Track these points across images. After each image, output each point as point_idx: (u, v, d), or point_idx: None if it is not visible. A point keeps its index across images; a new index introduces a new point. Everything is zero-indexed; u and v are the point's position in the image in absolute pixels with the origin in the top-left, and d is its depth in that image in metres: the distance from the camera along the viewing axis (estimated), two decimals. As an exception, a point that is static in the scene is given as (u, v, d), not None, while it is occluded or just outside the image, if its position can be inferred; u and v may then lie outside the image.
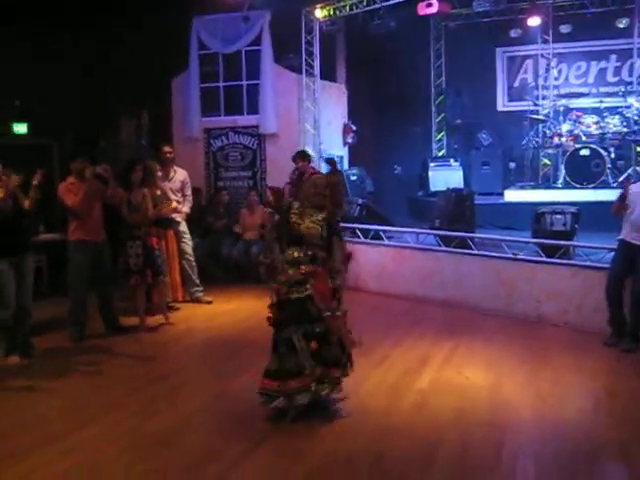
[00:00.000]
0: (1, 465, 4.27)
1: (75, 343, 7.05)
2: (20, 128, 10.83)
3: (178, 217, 8.48)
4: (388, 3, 10.24)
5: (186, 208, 8.66)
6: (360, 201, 10.29)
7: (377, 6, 10.39)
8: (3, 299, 6.18)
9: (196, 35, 11.05)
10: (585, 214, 8.40)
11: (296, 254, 4.90)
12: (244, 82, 11.07)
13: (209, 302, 8.73)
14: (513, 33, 13.01)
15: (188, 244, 8.70)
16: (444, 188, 10.22)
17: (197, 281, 8.81)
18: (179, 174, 8.71)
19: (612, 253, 6.91)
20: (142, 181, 7.58)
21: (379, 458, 4.32)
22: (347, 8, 10.65)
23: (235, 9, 10.66)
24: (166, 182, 8.43)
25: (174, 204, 8.25)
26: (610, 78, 12.98)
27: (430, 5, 9.97)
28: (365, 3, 10.41)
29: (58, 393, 5.61)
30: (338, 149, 12.18)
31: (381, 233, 9.57)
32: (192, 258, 8.74)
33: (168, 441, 4.59)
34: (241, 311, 8.30)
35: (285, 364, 4.83)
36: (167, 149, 8.72)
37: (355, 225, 9.73)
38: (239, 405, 5.26)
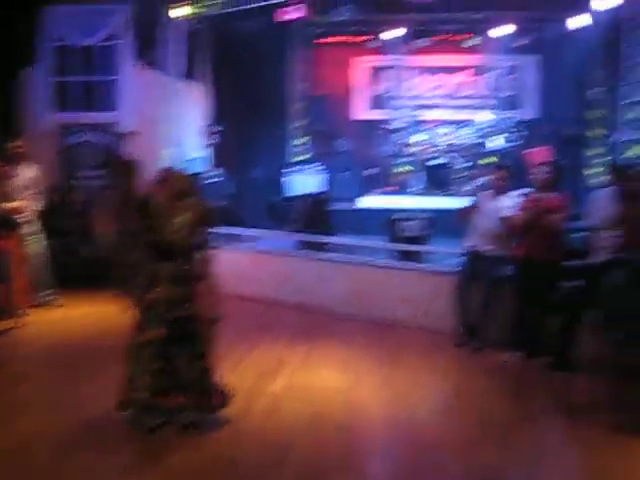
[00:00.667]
0: None
1: None
2: None
3: (26, 217, 8.03)
4: (251, 6, 10.22)
5: (36, 206, 8.21)
6: (221, 204, 10.19)
7: (240, 8, 10.34)
8: None
9: (50, 26, 10.52)
10: (437, 221, 8.76)
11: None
12: (101, 77, 10.65)
13: (60, 306, 8.33)
14: (373, 43, 13.39)
15: (37, 245, 8.25)
16: (302, 193, 10.32)
17: (47, 284, 8.38)
18: (28, 170, 8.24)
19: (461, 258, 7.23)
20: None
21: (232, 464, 4.28)
22: (211, 8, 10.53)
23: (94, 1, 10.26)
24: (14, 179, 7.96)
25: (17, 204, 7.81)
26: (463, 92, 13.64)
27: (290, 11, 10.04)
28: (229, 5, 10.33)
29: None
30: (199, 150, 12.00)
31: (240, 236, 9.51)
32: (42, 260, 8.30)
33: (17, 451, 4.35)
34: (93, 315, 7.96)
35: (163, 381, 4.66)
36: (15, 144, 8.23)
37: (215, 228, 9.59)
38: (89, 413, 5.04)
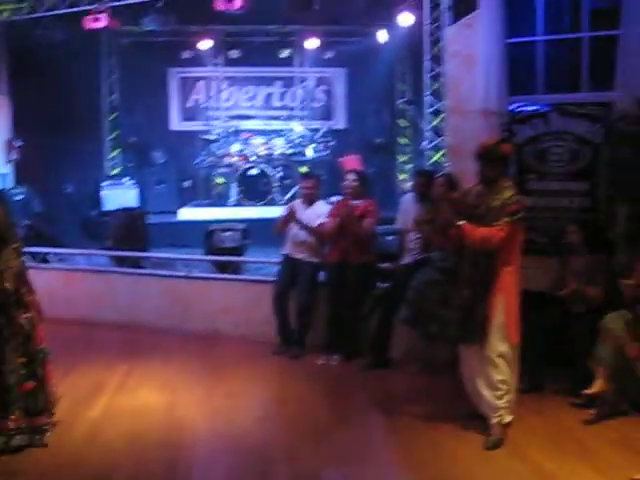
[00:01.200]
0: None
1: None
2: None
3: None
4: (52, 13, 9.74)
5: None
6: (26, 222, 9.61)
7: (40, 14, 9.82)
8: None
9: None
10: (254, 230, 8.84)
11: None
12: None
13: None
14: (186, 54, 13.31)
15: None
16: (117, 207, 10.01)
17: None
18: None
19: (278, 267, 7.33)
20: None
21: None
22: (6, 14, 9.90)
23: None
24: None
25: None
26: (276, 103, 13.92)
27: (97, 20, 9.70)
28: (26, 11, 9.77)
29: None
30: (0, 166, 11.26)
31: (50, 255, 9.03)
32: None
33: None
34: None
35: None
36: None
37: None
38: None
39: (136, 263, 8.45)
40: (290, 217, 7.00)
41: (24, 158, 11.64)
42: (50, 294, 8.62)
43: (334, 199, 7.99)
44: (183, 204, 12.06)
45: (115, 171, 13.48)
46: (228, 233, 8.32)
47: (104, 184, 12.31)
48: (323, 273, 6.99)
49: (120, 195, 11.95)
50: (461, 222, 4.75)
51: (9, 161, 11.51)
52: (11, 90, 11.77)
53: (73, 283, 8.67)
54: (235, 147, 12.13)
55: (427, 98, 9.37)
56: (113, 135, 13.63)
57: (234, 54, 13.35)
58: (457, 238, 4.81)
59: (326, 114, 13.87)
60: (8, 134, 11.50)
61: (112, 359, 6.94)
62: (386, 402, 5.66)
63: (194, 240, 9.76)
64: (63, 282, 8.74)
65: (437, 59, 8.92)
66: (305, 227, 6.90)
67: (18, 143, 11.48)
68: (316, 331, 7.02)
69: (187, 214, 11.44)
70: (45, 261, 8.98)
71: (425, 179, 6.60)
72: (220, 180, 12.33)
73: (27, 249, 8.93)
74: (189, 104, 13.91)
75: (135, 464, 4.47)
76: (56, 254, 9.13)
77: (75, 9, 9.63)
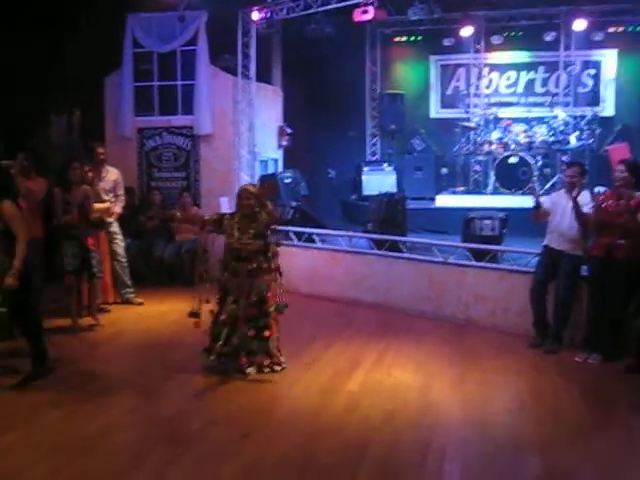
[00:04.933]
0: None
1: None
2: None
3: (110, 217, 8.35)
4: (324, 8, 10.28)
5: (118, 208, 8.52)
6: (294, 204, 10.34)
7: (313, 11, 10.43)
8: None
9: (131, 33, 10.85)
10: (513, 220, 8.66)
11: None
12: (179, 82, 10.93)
13: (140, 303, 8.63)
14: (446, 42, 13.29)
15: (120, 245, 8.57)
16: (377, 192, 10.36)
17: (128, 282, 8.69)
18: (111, 174, 8.56)
19: (537, 258, 7.14)
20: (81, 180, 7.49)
21: (310, 459, 4.37)
22: (284, 11, 10.67)
23: (171, 8, 10.55)
24: (98, 182, 8.29)
25: (107, 205, 8.19)
26: (538, 89, 13.39)
27: (366, 12, 10.04)
28: (302, 7, 10.44)
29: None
30: (273, 152, 12.19)
31: (314, 236, 9.63)
32: (123, 259, 8.62)
33: (95, 446, 4.53)
34: (172, 313, 8.19)
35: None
36: (100, 150, 8.56)
37: (288, 228, 9.78)
38: (168, 408, 5.25)
39: (394, 247, 8.71)
40: (551, 207, 6.78)
41: (293, 144, 12.50)
42: (313, 272, 9.31)
43: (598, 190, 7.58)
44: (440, 191, 12.15)
45: (375, 157, 13.94)
46: (487, 221, 8.25)
47: (364, 169, 12.80)
48: (586, 266, 6.69)
49: (379, 180, 12.35)
50: None
51: (280, 147, 12.41)
52: (283, 82, 12.69)
53: (335, 263, 9.19)
54: (494, 135, 11.93)
55: None
56: (374, 122, 14.09)
57: (496, 39, 13.08)
58: None
59: (592, 100, 13.08)
60: (280, 122, 12.39)
61: (369, 337, 7.28)
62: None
63: (450, 227, 9.83)
64: (325, 261, 9.30)
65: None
66: (567, 218, 6.63)
67: (288, 130, 12.33)
68: (575, 326, 6.78)
69: (444, 201, 11.52)
70: (311, 241, 9.59)
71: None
72: (478, 167, 12.23)
73: (294, 229, 9.69)
74: (449, 91, 13.91)
75: (390, 442, 4.66)
76: (319, 235, 9.70)
77: (345, 3, 10.04)
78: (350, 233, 9.53)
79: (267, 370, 5.97)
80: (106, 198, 8.31)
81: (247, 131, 10.99)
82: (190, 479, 4.16)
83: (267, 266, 6.01)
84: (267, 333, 5.99)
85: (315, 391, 5.62)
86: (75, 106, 11.73)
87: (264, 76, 11.89)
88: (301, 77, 12.62)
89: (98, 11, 10.10)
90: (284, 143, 12.40)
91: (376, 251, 8.85)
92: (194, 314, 6.10)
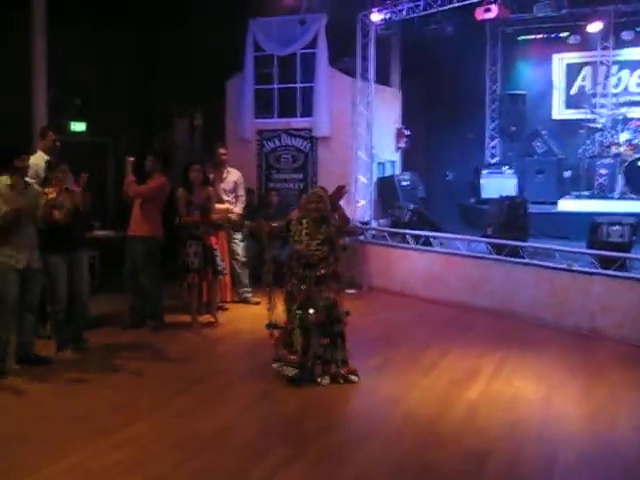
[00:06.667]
0: (53, 454, 4.34)
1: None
2: (78, 126, 11.05)
3: (232, 218, 8.55)
4: (445, 8, 10.10)
5: (238, 209, 8.70)
6: (411, 206, 10.23)
7: (434, 11, 10.27)
8: (55, 293, 6.29)
9: (252, 37, 11.08)
10: (643, 226, 8.20)
11: None
12: (298, 84, 11.07)
13: (257, 303, 8.73)
14: (572, 39, 12.79)
15: (238, 244, 8.76)
16: (497, 195, 10.08)
17: (246, 282, 8.85)
18: (232, 175, 8.75)
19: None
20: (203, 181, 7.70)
21: (426, 467, 4.28)
22: (403, 12, 10.56)
23: (292, 12, 10.69)
24: (219, 183, 8.50)
25: (227, 205, 8.39)
26: (671, 88, 12.65)
27: (489, 10, 9.77)
28: (422, 7, 10.29)
29: (107, 389, 5.67)
30: (390, 153, 12.12)
31: (431, 239, 9.49)
32: (242, 259, 8.79)
33: (215, 441, 4.62)
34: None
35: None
36: (222, 151, 8.77)
37: (405, 230, 9.68)
38: (285, 407, 5.28)
39: (514, 252, 8.44)
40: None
41: (411, 146, 12.38)
42: (429, 275, 9.18)
43: None
44: (563, 195, 11.68)
45: (494, 160, 13.60)
46: (616, 227, 7.82)
47: (483, 172, 12.51)
48: None
49: (499, 183, 12.02)
50: None
51: (398, 149, 12.32)
52: (401, 83, 12.59)
53: (451, 267, 9.01)
54: (623, 136, 11.35)
55: None
56: (494, 124, 13.75)
57: (627, 35, 12.45)
58: None
59: None
60: (398, 124, 12.30)
61: (487, 345, 7.08)
62: None
63: (573, 232, 9.44)
64: (441, 265, 9.14)
65: None
66: None
67: (407, 132, 12.22)
68: None
69: (567, 205, 11.06)
70: (428, 244, 9.45)
71: None
72: (604, 171, 11.66)
73: (411, 232, 9.58)
74: (573, 91, 13.38)
75: (511, 454, 4.49)
76: (437, 238, 9.54)
77: (466, 2, 9.82)
78: (469, 237, 9.32)
79: (341, 380, 5.76)
80: (227, 198, 8.51)
81: (365, 133, 10.96)
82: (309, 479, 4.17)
83: (334, 271, 5.88)
84: (341, 340, 5.83)
85: (433, 398, 5.51)
86: (197, 109, 12.10)
87: (382, 78, 11.86)
88: (419, 78, 12.50)
89: (219, 15, 10.37)
90: (402, 145, 12.32)
91: (495, 256, 8.60)
92: (271, 325, 6.04)
